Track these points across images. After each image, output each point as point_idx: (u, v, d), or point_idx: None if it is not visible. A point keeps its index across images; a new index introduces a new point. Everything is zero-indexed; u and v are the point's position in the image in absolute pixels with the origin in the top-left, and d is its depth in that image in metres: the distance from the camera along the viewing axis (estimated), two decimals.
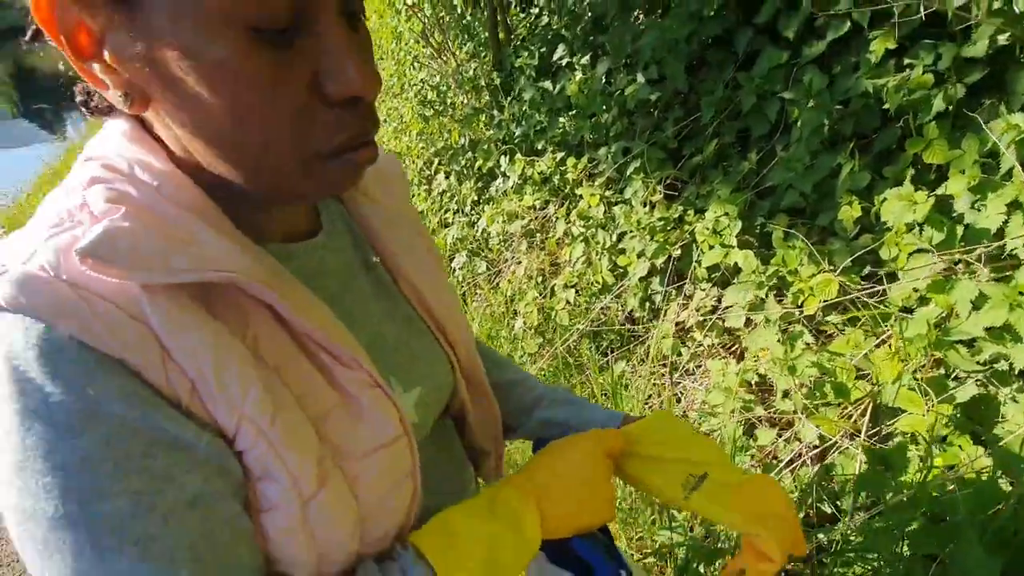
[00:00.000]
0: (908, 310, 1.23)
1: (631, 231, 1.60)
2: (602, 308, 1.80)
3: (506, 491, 0.45)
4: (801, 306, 1.33)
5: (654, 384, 1.65)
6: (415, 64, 3.42)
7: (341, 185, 0.38)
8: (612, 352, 1.79)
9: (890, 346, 1.18)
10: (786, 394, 1.26)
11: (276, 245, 0.41)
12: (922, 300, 1.20)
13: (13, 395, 0.29)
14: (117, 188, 0.34)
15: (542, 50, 2.42)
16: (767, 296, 1.35)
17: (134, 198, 0.33)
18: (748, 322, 1.48)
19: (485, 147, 2.28)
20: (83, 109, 0.40)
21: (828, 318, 1.35)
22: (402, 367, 0.46)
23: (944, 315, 1.12)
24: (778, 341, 1.34)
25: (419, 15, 2.89)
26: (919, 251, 1.13)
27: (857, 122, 1.39)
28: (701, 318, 1.59)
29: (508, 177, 2.11)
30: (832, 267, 1.32)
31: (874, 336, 1.25)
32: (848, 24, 1.37)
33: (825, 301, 1.25)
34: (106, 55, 0.32)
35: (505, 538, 0.42)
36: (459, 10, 3.03)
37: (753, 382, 1.45)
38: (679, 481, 0.49)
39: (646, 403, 1.58)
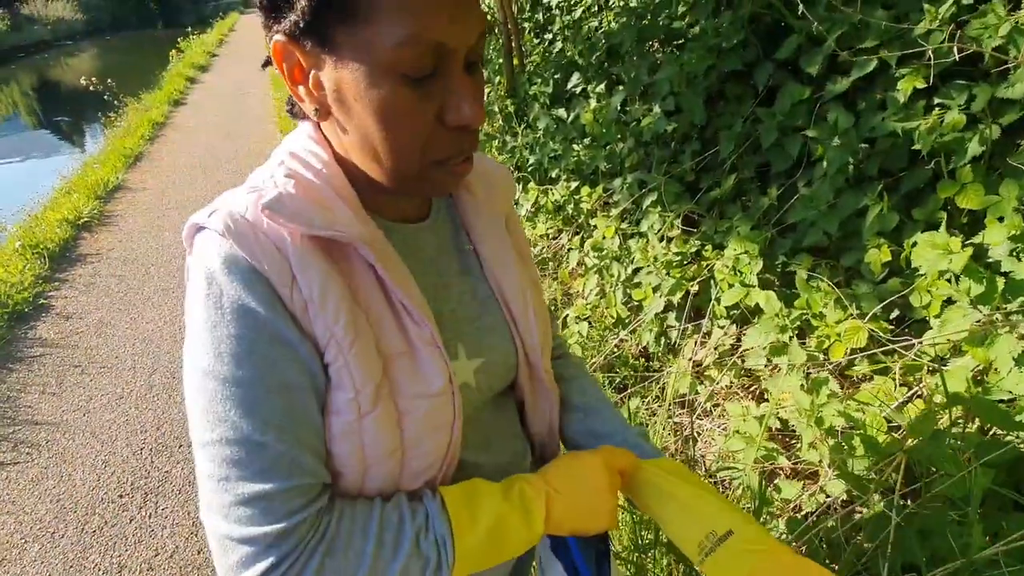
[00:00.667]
0: (941, 360, 1.17)
1: (647, 266, 1.56)
2: (616, 343, 1.75)
3: (522, 483, 0.53)
4: (826, 351, 1.28)
5: (671, 423, 1.59)
6: None
7: (446, 187, 0.52)
8: (626, 388, 1.74)
9: (923, 398, 1.13)
10: (812, 445, 1.20)
11: (389, 223, 0.54)
12: (956, 349, 1.15)
13: (204, 284, 0.44)
14: (292, 169, 0.49)
15: (556, 76, 2.41)
16: (790, 339, 1.30)
17: (303, 176, 0.49)
18: (769, 362, 1.43)
19: None
20: (288, 114, 0.56)
21: (855, 365, 1.29)
22: (471, 337, 0.56)
23: (981, 368, 1.06)
24: (801, 387, 1.29)
25: None
26: (953, 302, 1.08)
27: (884, 161, 1.35)
28: (719, 357, 1.54)
29: (522, 205, 2.08)
30: (859, 311, 1.27)
31: (905, 387, 1.19)
32: (875, 62, 1.34)
33: (853, 350, 1.20)
34: (310, 82, 0.46)
35: (512, 519, 0.51)
36: None
37: (775, 427, 1.39)
38: (697, 538, 0.51)
39: (663, 446, 1.52)
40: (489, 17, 2.57)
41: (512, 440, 0.64)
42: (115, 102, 7.81)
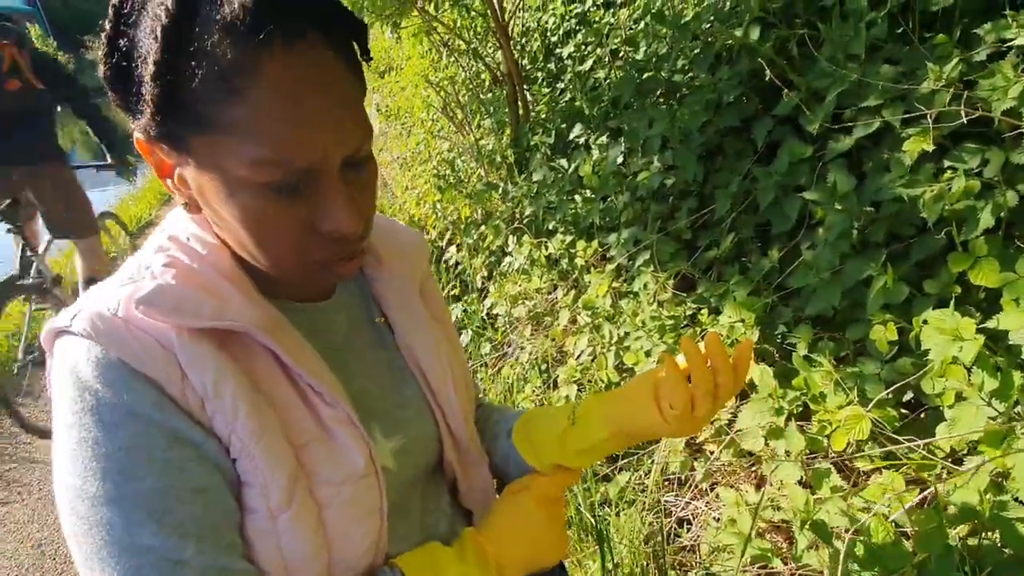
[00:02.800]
0: (956, 458, 1.03)
1: (637, 332, 1.46)
2: None
3: (473, 540, 0.54)
4: (828, 437, 1.14)
5: (661, 503, 1.45)
6: (439, 134, 3.47)
7: (331, 285, 0.56)
8: (616, 459, 1.61)
9: (935, 503, 0.98)
10: (811, 546, 1.06)
11: (290, 304, 0.52)
12: (973, 447, 1.00)
13: (73, 397, 0.40)
14: (173, 255, 0.46)
15: (562, 126, 2.38)
16: (788, 422, 1.17)
17: (183, 264, 0.46)
18: (767, 443, 1.29)
19: (495, 224, 2.21)
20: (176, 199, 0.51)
21: (862, 454, 1.15)
22: (387, 415, 0.54)
23: (999, 473, 0.92)
24: (801, 479, 1.15)
25: (436, 88, 2.93)
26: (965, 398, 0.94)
27: (892, 226, 1.24)
28: (715, 433, 1.41)
29: (516, 257, 2.02)
30: (863, 394, 1.14)
31: (916, 484, 1.05)
32: (879, 121, 1.25)
33: (855, 440, 1.06)
34: (175, 179, 0.45)
35: None
36: (487, 84, 3.07)
37: (776, 519, 1.25)
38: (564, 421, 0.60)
39: (650, 530, 1.38)
40: (494, 68, 2.58)
41: (449, 523, 0.61)
42: None
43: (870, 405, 1.07)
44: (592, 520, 1.42)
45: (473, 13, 2.32)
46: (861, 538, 1.00)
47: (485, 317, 2.20)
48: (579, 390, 1.69)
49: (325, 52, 0.39)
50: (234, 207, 0.42)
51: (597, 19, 2.99)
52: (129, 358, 0.41)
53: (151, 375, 0.41)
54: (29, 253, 2.43)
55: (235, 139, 0.38)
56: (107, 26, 0.40)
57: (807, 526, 1.00)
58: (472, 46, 2.39)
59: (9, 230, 2.40)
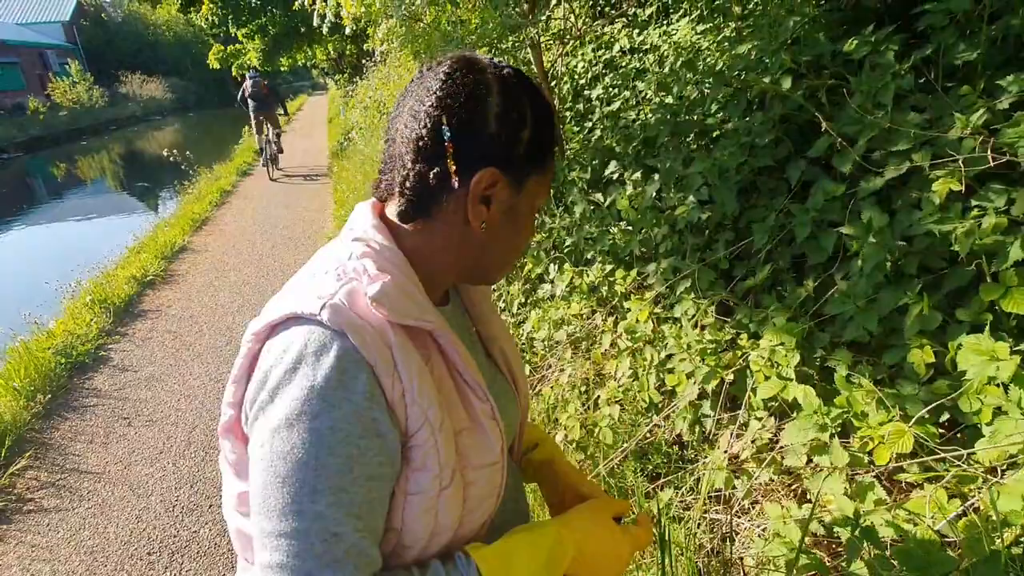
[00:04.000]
0: (995, 470, 1.11)
1: (681, 353, 1.55)
2: (648, 427, 1.72)
3: (562, 548, 0.60)
4: (871, 454, 1.22)
5: (706, 519, 1.52)
6: None
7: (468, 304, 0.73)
8: (659, 477, 1.68)
9: (978, 512, 1.05)
10: (860, 557, 1.12)
11: (435, 308, 0.60)
12: (1012, 460, 1.08)
13: (308, 374, 0.47)
14: (380, 262, 0.55)
15: (594, 163, 2.53)
16: (831, 439, 1.25)
17: (390, 270, 0.55)
18: (810, 460, 1.37)
19: (535, 253, 2.33)
20: (410, 207, 0.60)
21: (903, 470, 1.23)
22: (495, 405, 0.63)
23: None
24: (845, 493, 1.22)
25: None
26: (1005, 412, 1.03)
27: (923, 259, 1.34)
28: (757, 451, 1.49)
29: (558, 285, 2.13)
30: (903, 412, 1.22)
31: (958, 498, 1.12)
32: (907, 164, 1.37)
33: (901, 454, 1.14)
34: (492, 204, 0.57)
35: None
36: None
37: (819, 532, 1.31)
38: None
39: (699, 544, 1.45)
40: None
41: (519, 489, 0.73)
42: (190, 171, 8.57)
43: (911, 422, 1.15)
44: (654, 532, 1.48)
45: (515, 61, 2.49)
46: (910, 545, 1.07)
47: (525, 341, 2.30)
48: (621, 409, 1.78)
49: None
50: (524, 221, 0.61)
51: (624, 64, 3.19)
52: (362, 346, 0.48)
53: (373, 363, 0.48)
54: (270, 137, 8.57)
55: (546, 179, 0.61)
56: (496, 104, 0.55)
57: (857, 532, 1.07)
58: None
59: (259, 131, 8.55)
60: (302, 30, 12.36)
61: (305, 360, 0.48)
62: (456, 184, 0.55)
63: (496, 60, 0.59)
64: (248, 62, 12.73)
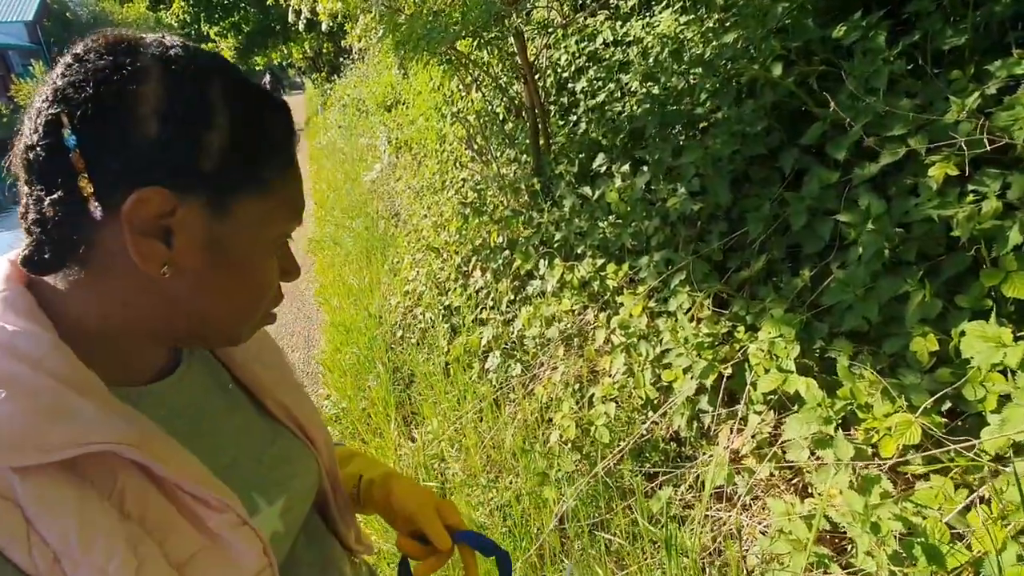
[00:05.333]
0: (1002, 459, 1.09)
1: (678, 348, 1.52)
2: (645, 424, 1.68)
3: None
4: (875, 446, 1.20)
5: (709, 518, 1.49)
6: (457, 164, 3.57)
7: (175, 358, 0.51)
8: (657, 475, 1.65)
9: (988, 504, 1.03)
10: (868, 552, 1.10)
11: (140, 389, 0.45)
12: (1019, 448, 1.06)
13: None
14: None
15: (581, 156, 2.49)
16: (836, 431, 1.23)
17: (16, 376, 0.36)
18: (812, 454, 1.34)
19: (524, 249, 2.28)
20: (37, 253, 0.41)
21: (908, 461, 1.21)
22: (265, 479, 0.51)
23: None
24: (850, 484, 1.20)
25: (462, 122, 3.05)
26: (1009, 397, 1.01)
27: (922, 246, 1.32)
28: (757, 446, 1.46)
29: (548, 280, 2.09)
30: (908, 402, 1.20)
31: (965, 488, 1.10)
32: (903, 149, 1.35)
33: (905, 445, 1.12)
34: (176, 239, 0.40)
35: None
36: (501, 116, 3.19)
37: (823, 528, 1.29)
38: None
39: (701, 544, 1.41)
40: (517, 101, 2.70)
41: (331, 558, 0.61)
42: None
43: (918, 412, 1.13)
44: (652, 530, 1.45)
45: (499, 52, 2.44)
46: (919, 539, 1.05)
47: (516, 340, 2.25)
48: (617, 407, 1.74)
49: None
50: (251, 260, 0.44)
51: (607, 56, 3.15)
52: None
53: None
54: None
55: (279, 205, 0.45)
56: (153, 90, 0.38)
57: (867, 527, 1.05)
58: (500, 81, 2.51)
59: None
60: (277, 28, 12.13)
61: None
62: (98, 213, 0.37)
63: (165, 38, 0.41)
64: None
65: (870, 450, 1.26)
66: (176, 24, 12.33)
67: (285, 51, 14.43)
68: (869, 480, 1.19)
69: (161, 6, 12.21)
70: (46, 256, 0.40)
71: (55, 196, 0.37)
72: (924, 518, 1.12)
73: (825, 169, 1.51)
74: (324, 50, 14.23)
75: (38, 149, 0.37)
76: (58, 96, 0.37)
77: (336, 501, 0.63)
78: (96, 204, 0.37)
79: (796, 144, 1.58)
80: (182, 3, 11.50)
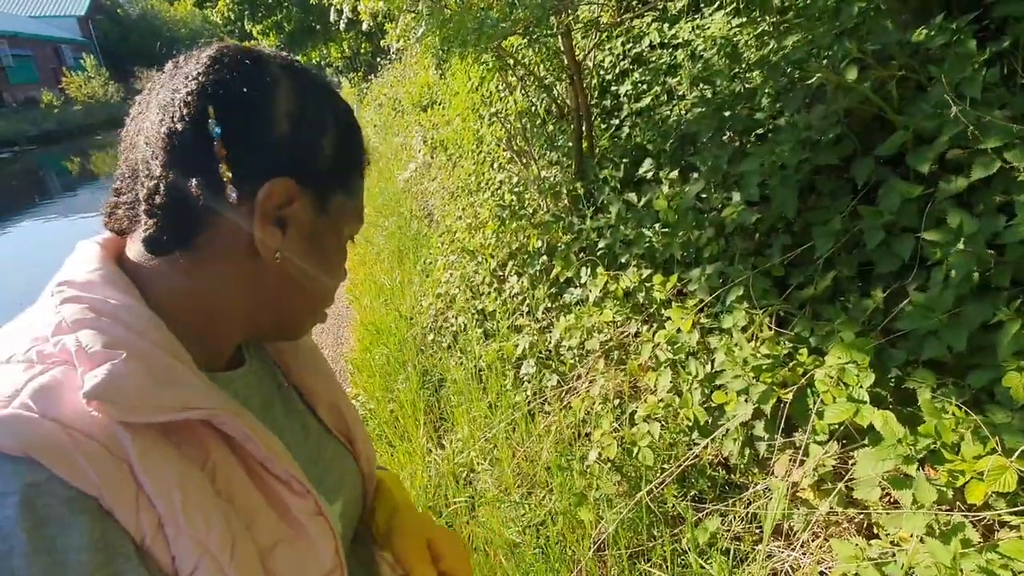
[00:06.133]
0: None
1: (734, 371, 1.42)
2: (695, 449, 1.58)
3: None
4: (961, 489, 1.08)
5: (760, 552, 1.38)
6: (494, 166, 3.51)
7: (240, 354, 0.53)
8: (703, 501, 1.54)
9: None
10: None
11: (215, 374, 0.46)
12: None
13: None
14: (110, 333, 0.37)
15: (625, 161, 2.40)
16: (916, 471, 1.11)
17: (128, 342, 0.37)
18: (884, 494, 1.23)
19: (563, 255, 2.20)
20: (148, 251, 0.43)
21: (989, 507, 1.08)
22: (323, 480, 0.51)
23: None
24: (930, 532, 1.08)
25: (503, 122, 2.98)
26: None
27: (1016, 270, 1.20)
28: (819, 480, 1.35)
29: (590, 290, 2.00)
30: (1000, 443, 1.08)
31: None
32: (998, 163, 1.22)
33: (997, 493, 1.00)
34: (289, 228, 0.44)
35: None
36: (542, 118, 3.12)
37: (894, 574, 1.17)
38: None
39: None
40: (560, 102, 2.63)
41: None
42: None
43: (1014, 456, 1.01)
44: (705, 567, 1.35)
45: (546, 50, 2.37)
46: None
47: (551, 349, 2.17)
48: (662, 428, 1.64)
49: None
50: (331, 251, 0.49)
51: (654, 59, 3.05)
52: (71, 475, 0.32)
53: (97, 494, 0.33)
54: None
55: (357, 205, 0.51)
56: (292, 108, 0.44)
57: None
58: (546, 81, 2.44)
59: None
60: (317, 27, 12.31)
61: None
62: (234, 198, 0.40)
63: (279, 54, 0.47)
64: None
65: (950, 493, 1.14)
66: (221, 21, 12.62)
67: (324, 50, 14.64)
68: (953, 527, 1.07)
69: (207, 3, 12.51)
70: (165, 238, 0.42)
71: (195, 180, 0.40)
72: (1015, 572, 1.01)
73: (903, 182, 1.39)
74: (362, 50, 14.41)
75: (184, 136, 0.40)
76: (205, 91, 0.41)
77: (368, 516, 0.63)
78: (233, 189, 0.41)
79: (872, 154, 1.46)
80: (227, 1, 11.76)
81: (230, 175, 0.40)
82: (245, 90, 0.41)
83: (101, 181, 12.80)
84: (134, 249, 0.44)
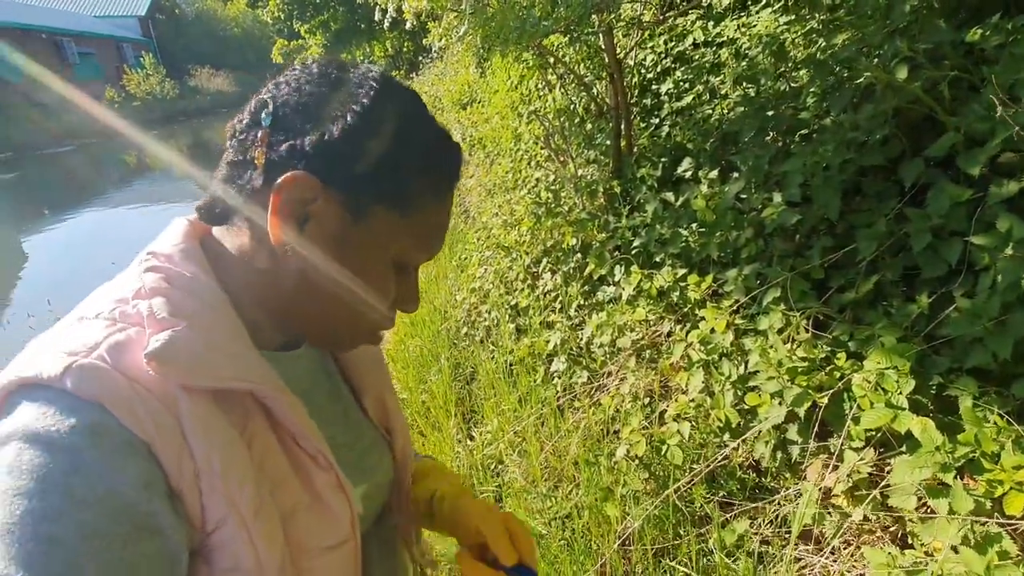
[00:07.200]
0: None
1: (768, 372, 1.40)
2: (725, 451, 1.57)
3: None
4: (1000, 500, 1.05)
5: (787, 556, 1.36)
6: (531, 164, 3.54)
7: (347, 350, 0.58)
8: (732, 504, 1.54)
9: None
10: None
11: (269, 353, 0.48)
12: None
13: (44, 462, 0.33)
14: (177, 302, 0.41)
15: (664, 160, 2.38)
16: (954, 480, 1.09)
17: (192, 313, 0.41)
18: (920, 502, 1.20)
19: (598, 253, 2.21)
20: (200, 217, 0.49)
21: None
22: (351, 465, 0.52)
23: None
24: (965, 540, 1.06)
25: (541, 119, 3.00)
26: None
27: None
28: (853, 486, 1.32)
29: (623, 288, 2.01)
30: None
31: None
32: None
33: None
34: (306, 225, 0.44)
35: None
36: (580, 117, 3.13)
37: None
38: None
39: None
40: (599, 100, 2.63)
41: (398, 563, 0.63)
42: None
43: None
44: (732, 567, 1.35)
45: (587, 48, 2.38)
46: None
47: (583, 347, 2.18)
48: (692, 428, 1.64)
49: None
50: (367, 267, 0.46)
51: (697, 57, 3.01)
52: (130, 422, 0.36)
53: (150, 439, 0.36)
54: None
55: (416, 228, 0.47)
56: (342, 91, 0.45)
57: None
58: (586, 79, 2.45)
59: None
60: (362, 26, 12.59)
61: (33, 450, 0.34)
62: (259, 182, 0.43)
63: (375, 67, 0.48)
64: (310, 57, 13.12)
65: (988, 504, 1.11)
66: (271, 20, 13.06)
67: (368, 49, 14.98)
68: (990, 538, 1.04)
69: (259, 3, 12.96)
70: (217, 210, 0.47)
71: (238, 159, 0.45)
72: None
73: (952, 185, 1.35)
74: (404, 48, 14.66)
75: (244, 122, 0.45)
76: (272, 88, 0.46)
77: (401, 507, 0.65)
78: (260, 174, 0.43)
79: (921, 156, 1.42)
80: (277, 1, 12.17)
81: (262, 160, 0.43)
82: (303, 89, 0.44)
83: (155, 175, 13.44)
84: (218, 230, 0.49)
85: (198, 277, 0.44)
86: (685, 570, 1.44)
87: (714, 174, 1.98)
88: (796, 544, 1.34)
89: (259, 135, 0.44)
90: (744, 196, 1.85)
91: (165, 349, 0.38)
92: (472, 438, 2.33)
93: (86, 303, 0.43)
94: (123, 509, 0.35)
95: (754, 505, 1.47)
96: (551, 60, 2.46)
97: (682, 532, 1.50)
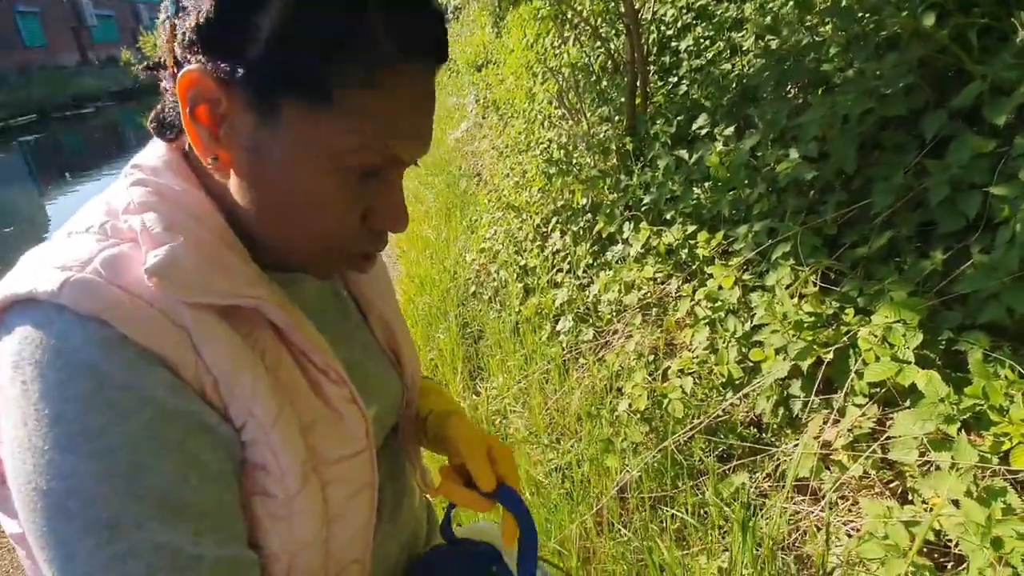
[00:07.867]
0: None
1: (773, 325, 1.39)
2: (724, 405, 1.57)
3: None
4: (1006, 455, 1.04)
5: (786, 510, 1.37)
6: (546, 123, 3.48)
7: (336, 274, 0.54)
8: (731, 458, 1.54)
9: None
10: (981, 573, 0.96)
11: (272, 273, 0.46)
12: None
13: (61, 381, 0.33)
14: (170, 218, 0.39)
15: (680, 117, 2.32)
16: (958, 433, 1.07)
17: (186, 228, 0.39)
18: (922, 456, 1.19)
19: (608, 212, 2.18)
20: (152, 128, 0.46)
21: None
22: (364, 385, 0.51)
23: None
24: (968, 494, 1.05)
25: (556, 77, 2.93)
26: None
27: None
28: (853, 440, 1.32)
29: (631, 245, 1.98)
30: None
31: None
32: None
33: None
34: (220, 129, 0.39)
35: None
36: (596, 74, 3.05)
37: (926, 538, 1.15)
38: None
39: (778, 534, 1.31)
40: (616, 55, 2.56)
41: (405, 477, 0.63)
42: None
43: None
44: (726, 509, 1.36)
45: (606, 2, 2.30)
46: None
47: (590, 305, 2.17)
48: (694, 382, 1.64)
49: (433, 78, 0.42)
50: (301, 180, 0.39)
51: (719, 12, 2.90)
52: (138, 335, 0.35)
53: (163, 355, 0.36)
54: None
55: (347, 119, 0.37)
56: None
57: (986, 541, 0.91)
58: (601, 31, 2.37)
59: None
60: None
61: (46, 362, 0.33)
62: (168, 84, 0.41)
63: None
64: None
65: (995, 459, 1.09)
66: None
67: None
68: (991, 493, 1.03)
69: None
70: (166, 121, 0.44)
71: (158, 60, 0.41)
72: None
73: (975, 136, 1.30)
74: None
75: (166, 20, 0.40)
76: None
77: (406, 432, 0.66)
78: (170, 76, 0.40)
79: (944, 106, 1.36)
80: None
81: (171, 60, 0.39)
82: None
83: None
84: None
85: (187, 191, 0.42)
86: (684, 516, 1.46)
87: (730, 131, 1.92)
88: (791, 496, 1.35)
89: (167, 27, 0.39)
90: (759, 153, 1.80)
91: (166, 264, 0.36)
92: (478, 393, 2.36)
93: (75, 218, 0.42)
94: (165, 412, 0.35)
95: (752, 459, 1.47)
96: (567, 12, 2.38)
97: (680, 484, 1.51)
